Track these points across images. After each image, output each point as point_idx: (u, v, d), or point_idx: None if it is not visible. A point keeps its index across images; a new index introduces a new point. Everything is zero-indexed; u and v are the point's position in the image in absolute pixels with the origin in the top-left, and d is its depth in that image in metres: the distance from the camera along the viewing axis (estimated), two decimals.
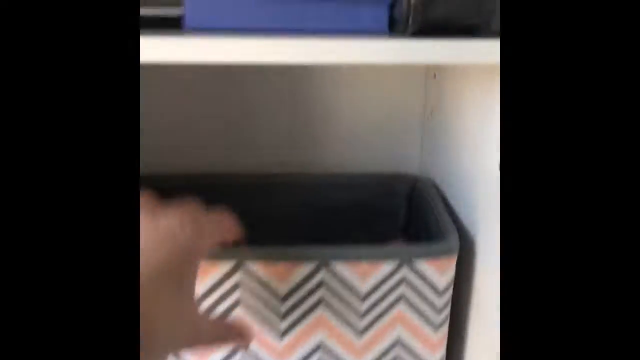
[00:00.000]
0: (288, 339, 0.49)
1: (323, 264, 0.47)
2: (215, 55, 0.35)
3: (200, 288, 0.47)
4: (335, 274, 0.47)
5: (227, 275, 0.47)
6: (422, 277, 0.48)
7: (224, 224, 0.42)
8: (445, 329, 0.51)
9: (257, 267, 0.47)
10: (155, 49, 0.35)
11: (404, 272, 0.48)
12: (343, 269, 0.47)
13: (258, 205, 0.63)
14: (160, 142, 0.65)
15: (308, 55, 0.35)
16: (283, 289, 0.48)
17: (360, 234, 0.66)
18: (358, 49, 0.35)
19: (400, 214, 0.66)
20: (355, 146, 0.67)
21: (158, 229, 0.37)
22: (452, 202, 0.57)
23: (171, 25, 0.43)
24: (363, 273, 0.48)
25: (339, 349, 0.49)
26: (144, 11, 0.43)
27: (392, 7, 0.40)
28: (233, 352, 0.49)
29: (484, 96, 0.47)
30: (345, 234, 0.66)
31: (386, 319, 0.49)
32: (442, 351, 0.52)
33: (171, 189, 0.62)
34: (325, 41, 0.36)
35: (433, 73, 0.64)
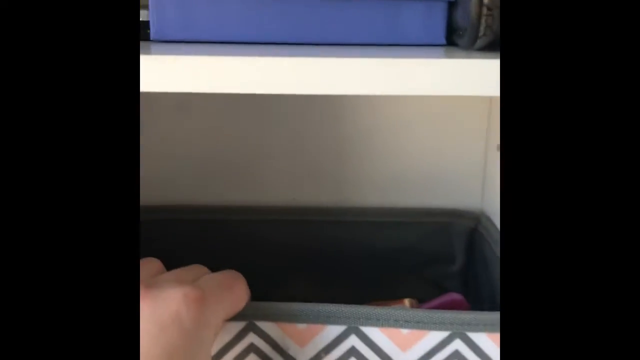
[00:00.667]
0: None
1: (353, 328, 0.38)
2: (187, 84, 0.26)
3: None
4: (368, 341, 0.38)
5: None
6: (479, 353, 0.38)
7: (234, 293, 0.36)
8: None
9: (271, 328, 0.38)
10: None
11: (457, 344, 0.38)
12: (378, 336, 0.38)
13: (291, 244, 0.55)
14: (189, 172, 0.57)
15: (323, 84, 0.25)
16: (305, 354, 0.39)
17: (409, 280, 0.56)
18: (397, 74, 0.26)
19: (458, 258, 0.56)
20: (406, 183, 0.57)
21: (160, 314, 0.31)
22: None
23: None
24: (404, 343, 0.38)
25: None
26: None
27: (450, 9, 0.31)
28: None
29: None
30: (392, 281, 0.56)
31: None
32: None
33: (203, 221, 0.55)
34: (352, 61, 0.26)
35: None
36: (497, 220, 0.53)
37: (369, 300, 0.51)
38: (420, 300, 0.52)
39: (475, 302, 0.53)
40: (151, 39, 0.33)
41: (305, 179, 0.57)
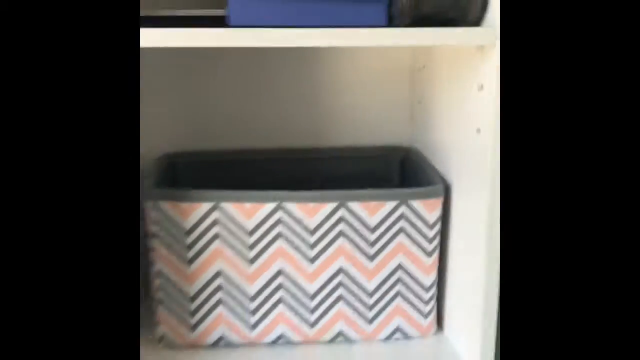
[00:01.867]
0: (317, 264, 0.64)
1: (342, 204, 0.62)
2: (254, 42, 0.50)
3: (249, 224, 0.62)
4: (351, 212, 0.63)
5: (270, 214, 0.62)
6: (417, 214, 0.64)
7: None
8: (436, 256, 0.66)
9: (294, 208, 0.62)
10: (206, 38, 0.50)
11: (403, 209, 0.63)
12: (358, 208, 0.63)
13: (278, 175, 0.79)
14: (194, 120, 0.80)
15: (324, 40, 0.50)
16: (311, 224, 0.63)
17: None
18: (364, 35, 0.51)
19: (395, 178, 0.82)
20: (357, 124, 0.82)
21: None
22: (434, 164, 0.73)
23: (218, 24, 0.57)
24: (372, 210, 0.63)
25: (355, 272, 0.64)
26: (196, 12, 0.58)
27: (389, 5, 0.56)
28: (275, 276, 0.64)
29: (461, 82, 0.63)
30: None
31: (390, 247, 0.64)
32: (434, 273, 0.67)
33: (204, 162, 0.77)
34: (338, 30, 0.51)
35: (421, 65, 0.80)
36: (422, 150, 0.78)
37: None
38: None
39: None
40: (231, 23, 0.55)
41: (286, 125, 0.81)
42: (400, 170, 0.81)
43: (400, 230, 0.64)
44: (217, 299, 0.64)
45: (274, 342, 0.67)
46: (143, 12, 0.55)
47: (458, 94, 0.63)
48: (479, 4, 0.53)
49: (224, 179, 0.77)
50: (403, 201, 0.63)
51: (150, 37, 0.49)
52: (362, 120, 0.82)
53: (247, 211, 0.62)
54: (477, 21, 0.55)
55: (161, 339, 0.65)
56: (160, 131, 0.78)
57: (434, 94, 0.72)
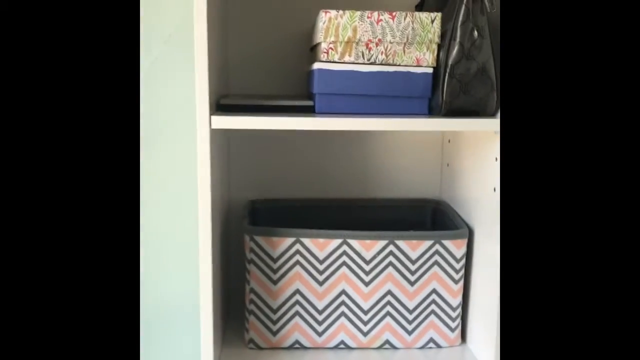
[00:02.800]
0: (371, 287, 0.84)
1: (391, 242, 0.83)
2: (337, 126, 0.72)
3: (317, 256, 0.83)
4: (398, 248, 0.83)
5: (337, 248, 0.83)
6: (447, 250, 0.84)
7: None
8: (461, 283, 0.86)
9: (355, 244, 0.83)
10: (298, 123, 0.72)
11: (437, 247, 0.84)
12: (403, 245, 0.83)
13: (336, 218, 1.00)
14: (273, 175, 1.02)
15: (382, 126, 0.72)
16: (368, 256, 0.83)
17: None
18: (415, 123, 0.73)
19: (428, 223, 1.02)
20: (396, 182, 1.04)
21: None
22: (459, 213, 0.93)
23: (307, 111, 0.79)
24: (414, 247, 0.84)
25: (400, 294, 0.85)
26: (291, 102, 0.80)
27: (430, 100, 0.78)
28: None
29: (479, 154, 0.84)
30: None
31: (426, 276, 0.85)
32: (460, 297, 0.87)
33: (280, 207, 0.99)
34: (395, 119, 0.73)
35: (448, 139, 1.01)
36: (449, 202, 0.99)
37: None
38: None
39: None
40: (316, 112, 0.77)
41: (346, 180, 1.03)
42: (431, 218, 1.02)
43: (435, 263, 0.85)
44: (294, 311, 0.85)
45: (336, 347, 0.87)
46: (251, 101, 0.77)
47: (479, 162, 0.85)
48: (495, 101, 0.75)
49: (295, 221, 0.98)
50: (437, 241, 0.84)
51: (264, 123, 0.71)
52: (403, 178, 1.04)
53: (320, 245, 0.83)
54: (494, 113, 0.77)
55: (250, 341, 0.86)
56: (246, 182, 1.01)
57: (460, 160, 0.94)
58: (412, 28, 0.75)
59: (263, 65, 0.98)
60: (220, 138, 0.84)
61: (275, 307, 0.85)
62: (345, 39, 0.75)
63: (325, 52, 0.75)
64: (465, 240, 0.85)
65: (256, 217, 0.98)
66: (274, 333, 0.85)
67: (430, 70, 0.76)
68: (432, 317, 0.86)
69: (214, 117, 0.70)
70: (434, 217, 1.02)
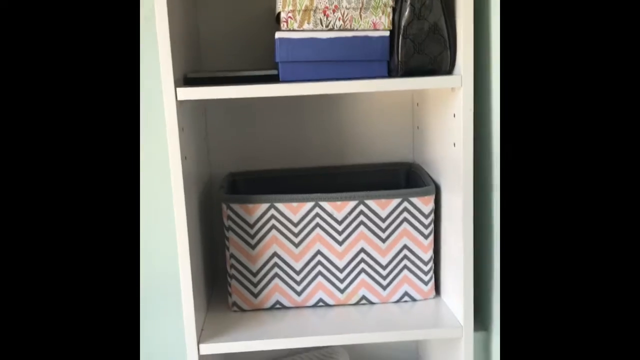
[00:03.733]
0: (344, 245, 0.88)
1: (361, 202, 0.87)
2: (300, 91, 0.75)
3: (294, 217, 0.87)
4: (368, 207, 0.87)
5: (310, 210, 0.87)
6: (416, 207, 0.88)
7: None
8: (431, 238, 0.90)
9: (327, 205, 0.87)
10: (261, 90, 0.75)
11: (405, 204, 0.88)
12: (373, 204, 0.87)
13: (313, 185, 1.04)
14: (251, 148, 1.05)
15: (346, 88, 0.75)
16: (339, 216, 0.87)
17: None
18: (374, 84, 0.76)
19: (402, 185, 1.06)
20: (370, 147, 1.07)
21: None
22: (429, 173, 0.97)
23: (272, 81, 0.83)
24: (383, 205, 0.87)
25: (373, 251, 0.89)
26: (255, 73, 0.84)
27: (388, 63, 0.81)
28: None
29: (441, 112, 0.88)
30: None
31: (397, 232, 0.89)
32: (431, 251, 0.91)
33: (258, 178, 1.03)
34: (355, 81, 0.76)
35: (417, 102, 1.05)
36: (421, 163, 1.03)
37: None
38: None
39: None
40: (281, 80, 0.81)
41: (319, 149, 1.07)
42: (405, 181, 1.06)
43: (404, 220, 0.88)
44: (273, 273, 0.89)
45: (315, 305, 0.91)
46: (219, 73, 0.81)
47: (442, 121, 0.88)
48: (449, 59, 0.78)
49: (273, 191, 1.02)
50: (405, 198, 0.88)
51: (227, 92, 0.74)
52: (377, 143, 1.07)
53: (293, 208, 0.86)
54: (449, 70, 0.80)
55: (233, 304, 0.90)
56: (226, 156, 1.04)
57: (427, 121, 0.97)
58: None
59: (235, 42, 1.01)
60: (194, 112, 0.88)
61: (255, 270, 0.89)
62: (303, 7, 0.78)
63: (284, 22, 0.79)
64: (433, 197, 0.89)
65: (235, 189, 1.01)
66: (256, 295, 0.89)
67: (387, 33, 0.80)
68: (405, 271, 0.90)
69: (179, 89, 0.74)
70: (408, 180, 1.06)
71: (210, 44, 1.01)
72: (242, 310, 0.90)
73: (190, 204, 0.81)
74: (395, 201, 0.88)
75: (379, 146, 1.08)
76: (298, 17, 0.78)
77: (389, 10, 0.79)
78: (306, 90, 0.75)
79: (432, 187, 0.89)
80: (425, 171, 0.98)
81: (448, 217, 0.88)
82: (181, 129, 0.77)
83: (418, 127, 1.04)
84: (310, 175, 1.04)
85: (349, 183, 1.05)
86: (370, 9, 0.79)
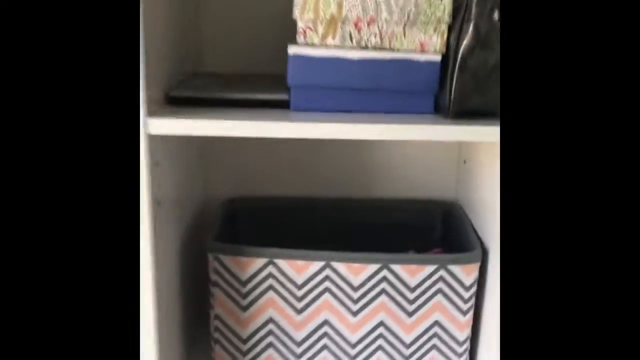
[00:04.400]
0: (359, 317, 0.70)
1: (385, 266, 0.68)
2: (314, 133, 0.55)
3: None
4: (393, 273, 0.68)
5: (319, 271, 0.68)
6: (455, 277, 0.69)
7: None
8: (470, 314, 0.71)
9: (341, 267, 0.68)
10: (259, 129, 0.56)
11: (441, 273, 0.69)
12: (399, 270, 0.68)
13: (331, 221, 0.85)
14: (256, 169, 0.87)
15: (375, 134, 0.56)
16: (356, 282, 0.68)
17: (408, 245, 0.87)
18: (417, 130, 0.56)
19: (437, 229, 0.87)
20: (405, 182, 0.88)
21: None
22: (472, 218, 0.77)
23: (281, 106, 0.63)
24: (412, 272, 0.68)
25: (394, 325, 0.70)
26: (259, 96, 0.63)
27: (436, 98, 0.61)
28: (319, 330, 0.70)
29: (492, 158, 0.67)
30: (397, 246, 0.86)
31: (428, 306, 0.70)
32: (468, 330, 0.72)
33: (264, 207, 0.84)
34: (392, 125, 0.57)
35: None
36: (464, 205, 0.83)
37: None
38: None
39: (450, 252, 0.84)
40: (291, 108, 0.61)
41: (341, 177, 0.87)
42: (442, 223, 0.86)
43: (438, 291, 0.69)
44: (267, 342, 0.71)
45: None
46: (217, 95, 0.61)
47: (494, 154, 0.68)
48: None
49: (281, 224, 0.84)
50: (442, 265, 0.68)
51: (214, 127, 0.55)
52: (411, 175, 0.87)
53: (298, 267, 0.68)
54: None
55: None
56: (224, 178, 0.86)
57: (479, 157, 0.77)
58: (415, 3, 0.57)
59: (242, 38, 0.81)
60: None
61: (244, 336, 0.71)
62: (328, 17, 0.58)
63: (302, 33, 0.59)
64: (478, 265, 0.70)
65: (231, 221, 0.83)
66: None
67: (438, 58, 0.59)
68: (434, 353, 0.72)
69: (151, 120, 0.55)
70: (446, 223, 0.86)
71: (214, 41, 0.82)
72: None
73: (165, 252, 0.63)
74: (430, 268, 0.68)
75: (413, 178, 0.88)
76: (320, 29, 0.58)
77: (444, 28, 0.58)
78: (322, 132, 0.56)
79: (478, 252, 0.70)
80: (469, 219, 0.78)
81: (493, 288, 0.69)
82: (154, 164, 0.58)
83: (465, 162, 0.83)
84: (324, 208, 0.85)
85: (373, 222, 0.85)
86: (418, 24, 0.58)
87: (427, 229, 0.86)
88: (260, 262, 0.68)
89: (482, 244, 0.72)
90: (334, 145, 0.86)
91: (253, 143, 0.86)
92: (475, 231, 0.76)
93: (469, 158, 0.82)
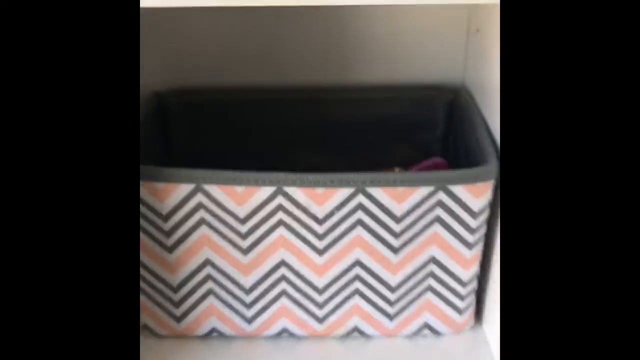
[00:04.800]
0: (327, 256, 0.51)
1: (360, 190, 0.48)
2: None
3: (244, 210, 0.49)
4: (372, 199, 0.49)
5: (268, 200, 0.49)
6: (458, 201, 0.49)
7: None
8: (479, 248, 0.53)
9: (298, 194, 0.48)
10: None
11: (440, 195, 0.49)
12: (381, 194, 0.48)
13: (291, 120, 0.64)
14: (191, 52, 0.64)
15: None
16: (322, 211, 0.49)
17: (400, 147, 0.66)
18: None
19: (440, 125, 0.66)
20: (397, 58, 0.65)
21: None
22: (484, 111, 0.56)
23: None
24: (399, 197, 0.49)
25: (374, 265, 0.52)
26: None
27: None
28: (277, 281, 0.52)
29: None
30: (385, 145, 0.66)
31: (421, 238, 0.51)
32: (475, 268, 0.53)
33: (202, 103, 0.63)
34: None
35: None
36: (475, 92, 0.62)
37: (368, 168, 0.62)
38: (409, 164, 0.63)
39: (454, 160, 0.64)
40: None
41: (306, 58, 0.65)
42: (446, 117, 0.65)
43: (436, 219, 0.50)
44: (206, 289, 0.53)
45: (276, 336, 0.57)
46: None
47: None
48: None
49: (225, 124, 0.63)
50: (441, 186, 0.49)
51: None
52: (405, 52, 0.65)
53: (238, 196, 0.48)
54: None
55: (144, 327, 0.56)
56: (148, 64, 0.64)
57: (496, 24, 0.54)
58: None
59: None
60: None
61: (174, 284, 0.53)
62: None
63: None
64: (491, 184, 0.50)
65: (165, 124, 0.63)
66: (178, 319, 0.55)
67: None
68: (429, 295, 0.54)
69: None
70: (450, 116, 0.65)
71: None
72: (157, 335, 0.57)
73: None
74: (424, 190, 0.49)
75: (408, 56, 0.65)
76: None
77: None
78: None
79: (494, 164, 0.49)
80: (481, 114, 0.57)
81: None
82: None
83: (478, 30, 0.61)
84: (287, 101, 0.64)
85: (354, 119, 0.65)
86: None
87: (424, 126, 0.65)
88: (184, 189, 0.48)
89: (498, 150, 0.52)
90: (299, 13, 0.63)
91: (192, 16, 0.62)
92: (489, 131, 0.55)
93: (482, 24, 0.59)
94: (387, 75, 0.66)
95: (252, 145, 0.65)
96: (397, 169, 0.61)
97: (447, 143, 0.66)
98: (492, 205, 0.52)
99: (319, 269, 0.52)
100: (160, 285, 0.53)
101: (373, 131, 0.66)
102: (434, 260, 0.52)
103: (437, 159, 0.59)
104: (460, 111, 0.63)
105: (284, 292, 0.53)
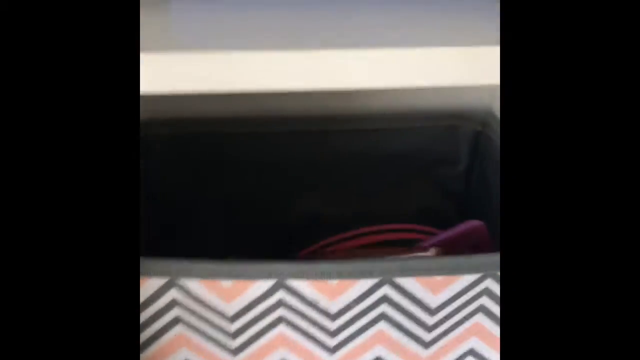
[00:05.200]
0: (340, 354, 0.40)
1: (386, 280, 0.37)
2: None
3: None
4: (401, 289, 0.37)
5: (265, 296, 0.37)
6: None
7: None
8: None
9: (304, 288, 0.37)
10: None
11: (488, 283, 0.38)
12: (411, 284, 0.37)
13: (308, 156, 0.52)
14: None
15: None
16: (336, 305, 0.38)
17: (416, 183, 0.55)
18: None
19: (463, 160, 0.55)
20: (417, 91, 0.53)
21: None
22: None
23: None
24: (435, 287, 0.37)
25: None
26: None
27: None
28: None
29: None
30: (399, 185, 0.55)
31: (460, 330, 0.40)
32: None
33: (178, 137, 0.51)
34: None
35: None
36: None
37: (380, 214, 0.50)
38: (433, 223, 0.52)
39: (477, 201, 0.53)
40: None
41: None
42: (470, 153, 0.54)
43: (479, 309, 0.39)
44: None
45: None
46: None
47: None
48: None
49: (214, 160, 0.51)
50: (490, 274, 0.37)
51: None
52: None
53: (224, 292, 0.37)
54: None
55: None
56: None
57: None
58: None
59: None
60: None
61: None
62: None
63: None
64: None
65: (144, 155, 0.50)
66: None
67: None
68: None
69: None
70: (476, 149, 0.54)
71: None
72: None
73: None
74: (468, 278, 0.37)
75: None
76: None
77: None
78: None
79: None
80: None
81: None
82: None
83: None
84: (284, 135, 0.51)
85: (365, 153, 0.53)
86: None
87: (444, 161, 0.54)
88: (154, 283, 0.36)
89: None
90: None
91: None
92: None
93: None
94: (397, 103, 0.54)
95: (245, 187, 0.53)
96: (433, 250, 0.49)
97: (470, 181, 0.55)
98: None
99: None
100: None
101: (386, 166, 0.54)
102: (472, 353, 0.42)
103: (475, 222, 0.47)
104: (487, 143, 0.51)
105: None
